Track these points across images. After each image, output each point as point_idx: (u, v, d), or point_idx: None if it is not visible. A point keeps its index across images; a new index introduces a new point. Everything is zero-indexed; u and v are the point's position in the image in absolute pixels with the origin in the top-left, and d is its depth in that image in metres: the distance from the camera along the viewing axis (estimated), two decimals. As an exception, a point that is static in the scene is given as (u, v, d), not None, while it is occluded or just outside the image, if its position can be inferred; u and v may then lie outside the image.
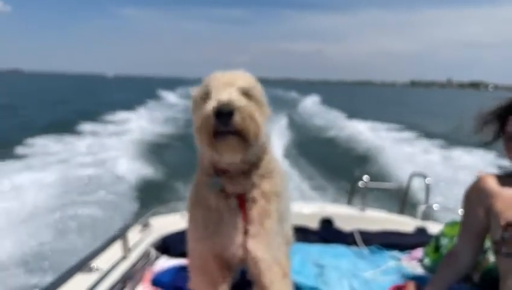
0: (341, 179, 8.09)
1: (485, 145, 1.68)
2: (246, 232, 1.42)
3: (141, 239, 2.19)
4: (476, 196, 1.69)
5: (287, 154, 11.21)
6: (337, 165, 10.60)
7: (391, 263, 2.26)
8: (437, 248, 2.20)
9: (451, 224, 2.25)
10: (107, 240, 1.89)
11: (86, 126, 15.67)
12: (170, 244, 2.26)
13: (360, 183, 3.04)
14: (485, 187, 1.66)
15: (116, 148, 11.36)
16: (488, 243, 1.78)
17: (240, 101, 1.19)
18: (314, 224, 2.66)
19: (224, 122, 1.15)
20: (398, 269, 2.20)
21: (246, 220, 1.41)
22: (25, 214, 5.94)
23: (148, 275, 1.97)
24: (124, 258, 1.92)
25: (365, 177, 3.05)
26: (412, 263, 2.29)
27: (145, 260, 2.08)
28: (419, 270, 2.21)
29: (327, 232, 2.59)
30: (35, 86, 66.31)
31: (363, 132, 16.97)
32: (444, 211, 3.06)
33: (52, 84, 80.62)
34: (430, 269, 2.16)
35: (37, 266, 4.54)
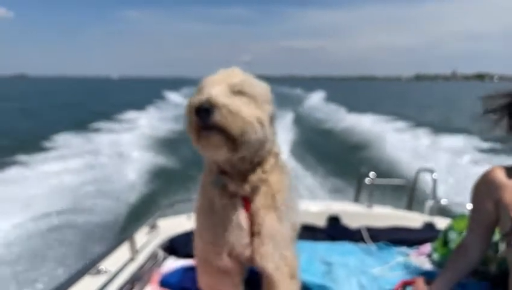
0: (347, 175, 8.09)
1: (503, 140, 1.66)
2: (252, 233, 1.42)
3: (149, 241, 2.20)
4: (485, 188, 1.67)
5: (293, 151, 11.22)
6: (344, 161, 10.63)
7: (399, 259, 2.25)
8: (445, 243, 2.18)
9: (459, 218, 2.23)
10: (115, 242, 1.90)
11: (102, 124, 17.14)
12: (178, 245, 2.26)
13: (366, 180, 3.03)
14: (494, 179, 1.64)
15: (131, 142, 12.83)
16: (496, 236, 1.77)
17: (222, 97, 1.17)
18: (321, 222, 2.65)
19: (204, 119, 1.15)
20: (407, 264, 2.19)
21: (252, 220, 1.41)
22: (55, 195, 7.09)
23: (156, 276, 1.98)
24: (131, 259, 1.93)
25: (371, 174, 3.04)
26: (421, 258, 2.28)
27: (153, 261, 2.08)
28: (427, 265, 2.19)
29: (334, 230, 2.59)
30: (43, 90, 67.58)
31: (369, 126, 17.02)
32: (454, 206, 3.05)
33: (59, 87, 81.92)
34: (438, 264, 2.15)
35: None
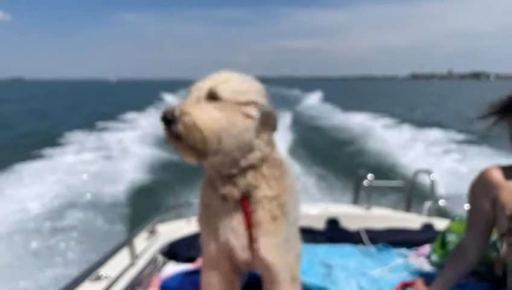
0: (345, 175, 8.14)
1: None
2: (251, 236, 1.42)
3: (148, 246, 2.20)
4: (482, 189, 1.68)
5: (291, 152, 11.24)
6: (341, 161, 10.73)
7: (398, 261, 2.26)
8: (444, 244, 2.19)
9: (458, 220, 2.24)
10: (115, 247, 1.90)
11: (109, 124, 18.69)
12: (177, 250, 2.26)
13: (364, 183, 3.03)
14: (490, 179, 1.65)
15: (134, 139, 14.33)
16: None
17: (187, 107, 1.20)
18: (320, 225, 2.66)
19: (169, 128, 1.20)
20: (406, 266, 2.20)
21: (250, 223, 1.41)
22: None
23: (156, 281, 1.98)
24: (131, 265, 1.93)
25: (369, 176, 3.04)
26: (420, 259, 2.29)
27: (153, 266, 2.08)
28: (426, 266, 2.20)
29: (333, 232, 2.59)
30: (44, 93, 68.10)
31: (361, 123, 17.27)
32: (452, 206, 3.06)
33: (59, 91, 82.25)
34: (437, 265, 2.15)
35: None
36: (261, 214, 1.39)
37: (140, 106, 27.04)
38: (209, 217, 1.44)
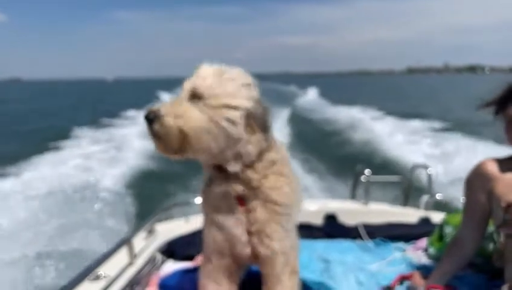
0: (343, 170, 8.16)
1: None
2: (250, 231, 1.43)
3: (147, 245, 2.20)
4: (477, 181, 1.70)
5: (289, 148, 11.23)
6: (339, 157, 10.90)
7: (396, 255, 2.27)
8: (441, 237, 2.20)
9: (454, 213, 2.25)
10: (113, 246, 1.90)
11: (112, 120, 19.87)
12: (176, 248, 2.27)
13: (362, 178, 3.04)
14: (485, 171, 1.67)
15: (135, 133, 14.97)
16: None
17: (165, 108, 1.26)
18: (318, 220, 2.66)
19: (150, 127, 1.27)
20: (404, 260, 2.21)
21: (249, 219, 1.42)
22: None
23: (155, 280, 1.98)
24: (130, 264, 1.93)
25: (367, 171, 3.05)
26: (417, 253, 2.30)
27: (151, 265, 2.09)
28: (424, 260, 2.22)
29: (331, 228, 2.60)
30: (44, 93, 68.36)
31: (365, 122, 17.35)
32: (450, 201, 3.07)
33: (58, 90, 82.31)
34: (435, 258, 2.17)
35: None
36: (260, 211, 1.41)
37: (139, 104, 27.21)
38: (211, 214, 1.47)
